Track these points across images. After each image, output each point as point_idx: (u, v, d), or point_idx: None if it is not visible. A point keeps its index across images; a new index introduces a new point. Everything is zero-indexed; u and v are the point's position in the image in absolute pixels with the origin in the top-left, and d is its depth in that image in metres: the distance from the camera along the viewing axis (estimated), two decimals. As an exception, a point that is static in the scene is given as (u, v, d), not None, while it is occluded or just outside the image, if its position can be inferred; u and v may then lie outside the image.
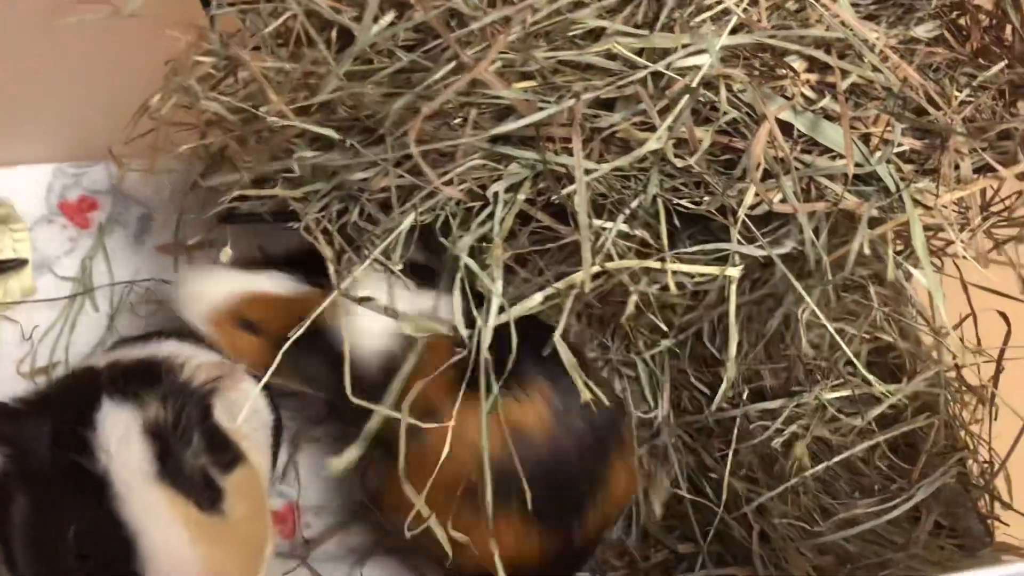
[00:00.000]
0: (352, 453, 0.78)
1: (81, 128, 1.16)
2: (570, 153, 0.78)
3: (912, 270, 0.82)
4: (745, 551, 0.96)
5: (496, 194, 0.81)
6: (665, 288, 0.76)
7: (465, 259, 0.76)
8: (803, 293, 0.79)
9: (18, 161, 1.19)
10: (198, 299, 0.89)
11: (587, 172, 0.78)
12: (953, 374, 1.00)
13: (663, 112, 0.80)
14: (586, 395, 0.76)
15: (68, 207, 1.20)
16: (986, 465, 1.00)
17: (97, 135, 1.04)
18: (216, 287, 0.88)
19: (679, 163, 0.79)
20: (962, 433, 1.01)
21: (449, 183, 0.78)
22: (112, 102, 0.90)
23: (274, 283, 0.87)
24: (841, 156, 0.83)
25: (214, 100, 0.79)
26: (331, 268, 0.79)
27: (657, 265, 0.77)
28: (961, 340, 0.94)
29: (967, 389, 1.00)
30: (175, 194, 1.16)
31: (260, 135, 0.82)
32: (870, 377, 0.83)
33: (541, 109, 0.76)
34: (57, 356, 1.14)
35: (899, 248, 0.90)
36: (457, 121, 0.82)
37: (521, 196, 0.81)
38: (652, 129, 0.81)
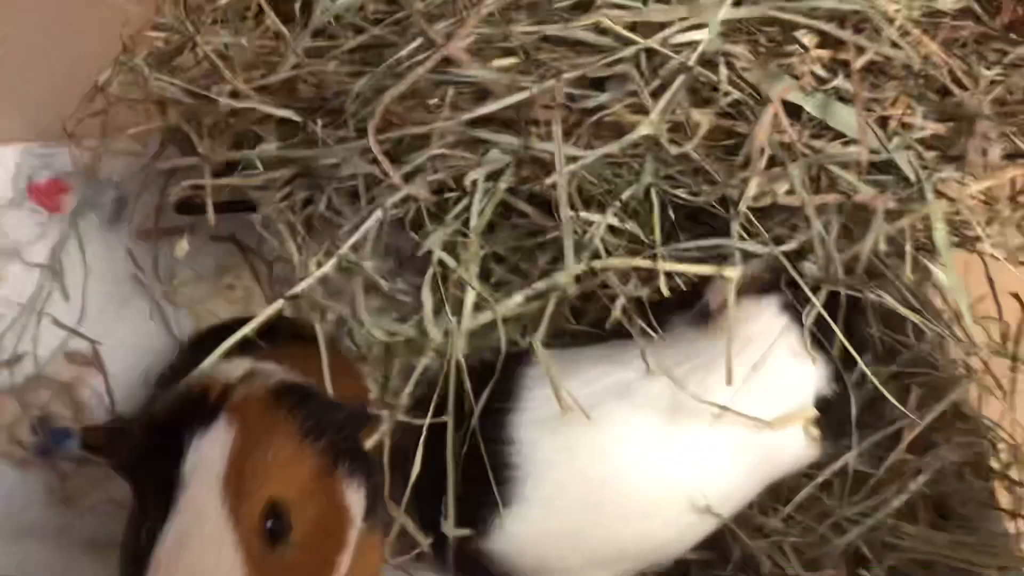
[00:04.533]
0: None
1: (50, 105, 1.09)
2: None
3: (933, 269, 0.75)
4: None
5: (475, 182, 0.74)
6: (657, 290, 0.69)
7: (438, 252, 0.69)
8: (812, 297, 0.71)
9: (-19, 143, 1.13)
10: None
11: (572, 160, 0.71)
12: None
13: (657, 93, 0.72)
14: None
15: (37, 190, 1.14)
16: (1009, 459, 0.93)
17: (68, 112, 0.98)
18: None
19: (674, 150, 0.72)
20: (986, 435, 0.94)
21: (420, 171, 0.71)
22: (83, 76, 0.83)
23: None
24: (855, 142, 0.75)
25: (164, 80, 0.71)
26: (295, 263, 0.72)
27: (648, 264, 0.70)
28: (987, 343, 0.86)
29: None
30: (150, 175, 1.09)
31: (217, 118, 0.75)
32: (893, 400, 0.75)
33: (521, 90, 0.68)
34: (23, 348, 1.08)
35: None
36: (434, 101, 0.75)
37: (503, 185, 0.74)
38: (646, 112, 0.73)
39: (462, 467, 0.76)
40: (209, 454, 0.60)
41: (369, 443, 0.71)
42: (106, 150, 0.85)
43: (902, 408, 0.84)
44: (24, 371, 1.08)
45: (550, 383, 0.73)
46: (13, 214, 1.13)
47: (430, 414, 0.72)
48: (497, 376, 0.76)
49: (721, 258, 0.73)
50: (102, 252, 1.12)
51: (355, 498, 0.66)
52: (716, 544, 0.93)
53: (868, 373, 0.79)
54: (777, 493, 0.92)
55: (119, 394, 1.10)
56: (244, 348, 0.74)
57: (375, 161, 0.72)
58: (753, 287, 0.76)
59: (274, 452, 0.62)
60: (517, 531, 0.81)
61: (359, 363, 0.97)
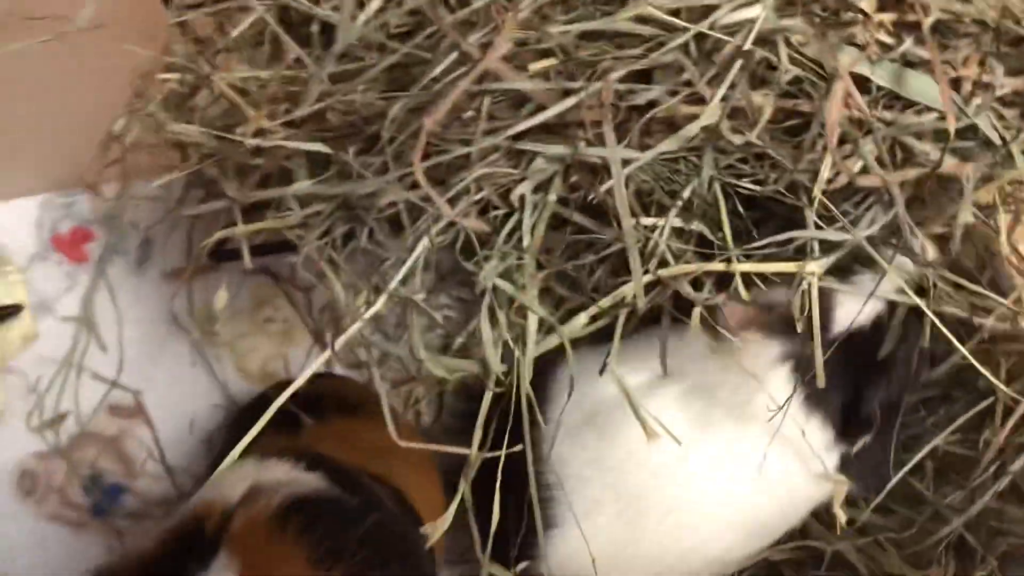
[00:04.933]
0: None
1: (68, 155, 1.05)
2: (604, 141, 0.65)
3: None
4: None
5: (522, 197, 0.69)
6: (735, 295, 0.64)
7: (497, 282, 0.64)
8: (907, 290, 0.65)
9: (1, 196, 1.09)
10: None
11: (626, 163, 0.65)
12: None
13: (713, 80, 0.66)
14: None
15: (61, 241, 1.10)
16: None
17: (84, 158, 0.93)
18: None
19: (738, 139, 0.66)
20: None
21: (465, 193, 0.66)
22: (97, 120, 0.79)
23: None
24: (929, 109, 0.69)
25: (183, 124, 0.67)
26: (342, 304, 0.67)
27: (722, 267, 0.64)
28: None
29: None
30: (175, 215, 1.05)
31: (242, 157, 0.70)
32: (987, 374, 0.70)
33: (566, 95, 0.63)
34: (65, 406, 1.04)
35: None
36: (469, 114, 0.70)
37: (552, 196, 0.69)
38: (701, 102, 0.67)
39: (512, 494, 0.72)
40: None
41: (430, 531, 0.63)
42: (128, 197, 0.80)
43: (997, 383, 0.79)
44: (68, 430, 1.04)
45: (623, 397, 0.68)
46: (40, 268, 1.09)
47: (505, 446, 0.66)
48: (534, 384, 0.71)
49: (797, 252, 0.67)
50: (133, 298, 1.08)
51: None
52: (807, 540, 0.89)
53: (963, 350, 0.73)
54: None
55: (167, 443, 1.06)
56: (286, 426, 0.68)
57: (415, 185, 0.68)
58: (755, 323, 0.71)
59: None
60: (561, 556, 0.76)
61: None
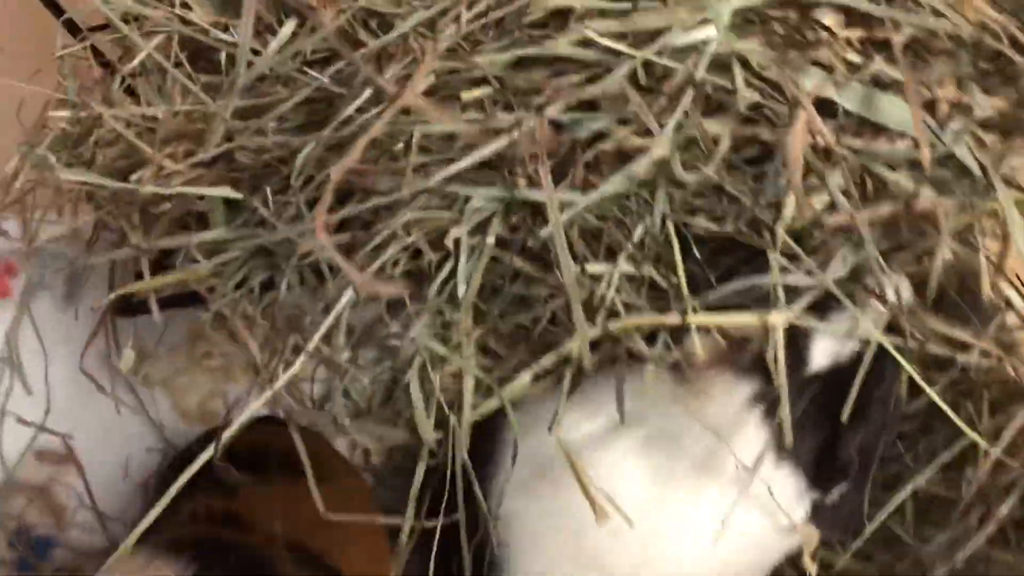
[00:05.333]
0: None
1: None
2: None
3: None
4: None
5: (457, 241, 0.62)
6: (690, 353, 0.57)
7: (428, 343, 0.57)
8: (877, 335, 0.59)
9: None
10: None
11: (565, 206, 0.59)
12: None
13: (665, 109, 0.60)
14: None
15: (-19, 274, 1.02)
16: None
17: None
18: None
19: (692, 177, 0.60)
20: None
21: (394, 239, 0.60)
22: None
23: None
24: (903, 135, 0.63)
25: (75, 169, 0.59)
26: (258, 365, 0.61)
27: (676, 320, 0.58)
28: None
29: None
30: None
31: (149, 200, 0.63)
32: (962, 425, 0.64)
33: (498, 134, 0.56)
34: (-12, 453, 0.97)
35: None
36: (399, 147, 0.63)
37: (490, 239, 0.62)
38: (651, 133, 0.61)
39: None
40: None
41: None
42: (33, 235, 0.73)
43: (965, 427, 0.73)
44: (-8, 479, 0.97)
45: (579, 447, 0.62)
46: (-42, 304, 1.01)
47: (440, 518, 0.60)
48: (476, 439, 0.65)
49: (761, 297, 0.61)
50: (62, 336, 1.01)
51: None
52: (781, 585, 0.83)
53: (932, 394, 0.67)
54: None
55: (99, 490, 0.99)
56: (222, 484, 0.62)
57: (341, 228, 0.61)
58: (726, 360, 0.65)
59: None
60: None
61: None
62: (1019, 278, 0.76)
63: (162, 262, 0.67)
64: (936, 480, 0.82)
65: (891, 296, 0.62)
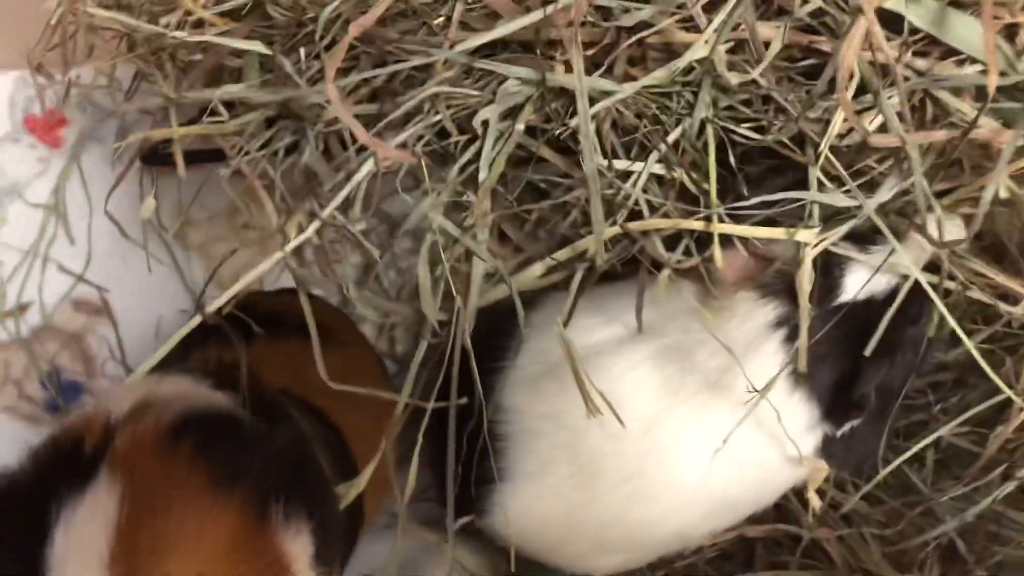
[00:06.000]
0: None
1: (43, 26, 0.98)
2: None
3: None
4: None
5: (486, 123, 0.60)
6: (710, 259, 0.55)
7: (437, 219, 0.56)
8: (914, 271, 0.56)
9: (-31, 69, 1.02)
10: None
11: (604, 95, 0.56)
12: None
13: (712, 6, 0.56)
14: None
15: (35, 123, 1.03)
16: None
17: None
18: None
19: (735, 78, 0.56)
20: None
21: (419, 114, 0.58)
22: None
23: None
24: (973, 61, 0.58)
25: (107, 9, 0.59)
26: (273, 222, 0.60)
27: (700, 226, 0.55)
28: None
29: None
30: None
31: (174, 54, 0.62)
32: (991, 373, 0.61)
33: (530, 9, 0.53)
34: (28, 296, 1.00)
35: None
36: (439, 21, 0.61)
37: (520, 125, 0.60)
38: (699, 30, 0.58)
39: (468, 441, 0.65)
40: (86, 528, 0.46)
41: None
42: (80, 84, 0.73)
43: (1001, 384, 0.69)
44: (30, 322, 1.00)
45: (591, 351, 0.61)
46: (11, 150, 1.03)
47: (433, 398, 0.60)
48: (494, 329, 0.64)
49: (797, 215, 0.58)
50: (107, 190, 1.02)
51: (296, 546, 0.51)
52: (786, 520, 0.81)
53: (966, 341, 0.64)
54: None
55: (130, 345, 1.01)
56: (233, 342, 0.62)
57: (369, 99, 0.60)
58: (754, 279, 0.62)
59: (176, 515, 0.47)
60: (513, 511, 0.70)
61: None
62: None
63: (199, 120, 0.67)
64: (963, 434, 0.79)
65: (936, 233, 0.59)
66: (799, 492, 0.78)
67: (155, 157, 0.70)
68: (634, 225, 0.55)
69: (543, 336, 0.69)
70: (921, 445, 0.76)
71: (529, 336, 0.71)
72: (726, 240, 0.60)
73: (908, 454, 0.75)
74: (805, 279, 0.55)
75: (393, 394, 0.59)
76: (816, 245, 0.57)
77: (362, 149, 0.61)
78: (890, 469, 0.75)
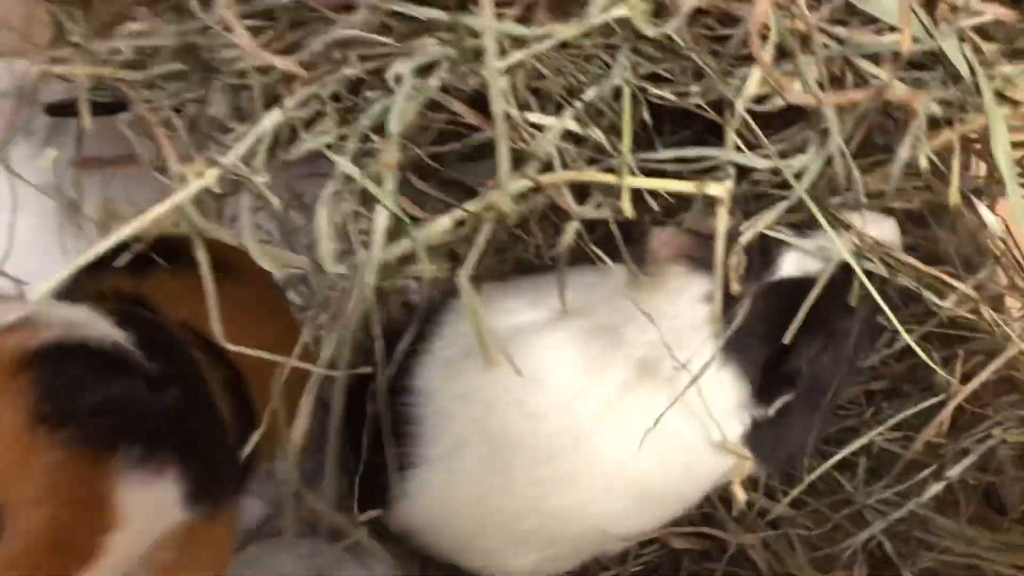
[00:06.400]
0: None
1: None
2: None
3: (979, 205, 0.58)
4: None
5: (399, 77, 0.58)
6: (620, 211, 0.53)
7: (342, 163, 0.54)
8: (826, 226, 0.55)
9: None
10: None
11: (517, 43, 0.55)
12: None
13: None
14: None
15: (-38, 112, 1.01)
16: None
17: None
18: None
19: (651, 31, 0.55)
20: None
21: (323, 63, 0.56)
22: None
23: None
24: (892, 29, 0.58)
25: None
26: (172, 172, 0.58)
27: (610, 178, 0.54)
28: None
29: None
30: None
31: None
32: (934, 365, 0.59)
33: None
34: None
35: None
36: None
37: (434, 82, 0.59)
38: (618, -15, 0.57)
39: (377, 426, 0.62)
40: None
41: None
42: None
43: (943, 372, 0.68)
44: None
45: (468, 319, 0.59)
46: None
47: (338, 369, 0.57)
48: (424, 313, 0.61)
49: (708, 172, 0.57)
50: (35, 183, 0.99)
51: (140, 492, 0.49)
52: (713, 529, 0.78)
53: (903, 332, 0.62)
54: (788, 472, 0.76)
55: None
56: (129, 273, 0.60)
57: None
58: (685, 254, 0.61)
59: None
60: (421, 500, 0.66)
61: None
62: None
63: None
64: (896, 440, 0.77)
65: (860, 226, 0.58)
66: (726, 499, 0.76)
67: (60, 108, 0.68)
68: (544, 177, 0.53)
69: (464, 321, 0.66)
70: (852, 448, 0.74)
71: (450, 320, 0.69)
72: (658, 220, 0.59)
73: (838, 457, 0.73)
74: (721, 230, 0.53)
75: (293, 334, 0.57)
76: (752, 228, 0.56)
77: (273, 103, 0.59)
78: (820, 472, 0.73)
